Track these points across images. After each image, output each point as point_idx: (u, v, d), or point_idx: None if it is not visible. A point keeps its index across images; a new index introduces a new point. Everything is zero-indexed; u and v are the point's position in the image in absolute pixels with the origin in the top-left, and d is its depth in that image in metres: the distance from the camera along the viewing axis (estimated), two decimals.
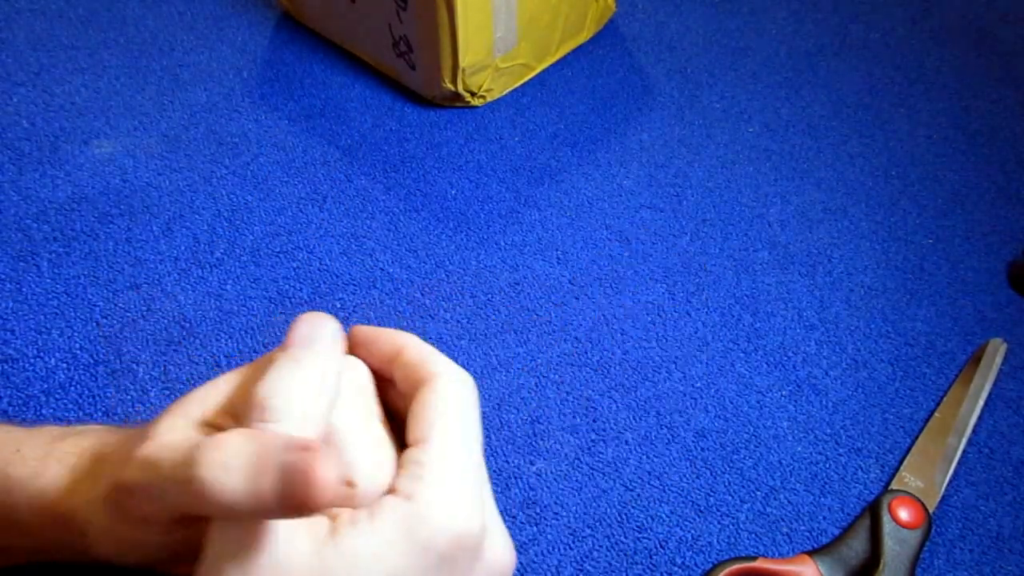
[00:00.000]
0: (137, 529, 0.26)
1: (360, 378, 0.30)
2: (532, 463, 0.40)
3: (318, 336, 0.27)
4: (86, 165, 0.52)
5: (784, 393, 0.44)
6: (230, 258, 0.48)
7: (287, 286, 0.47)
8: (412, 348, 0.30)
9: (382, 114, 0.58)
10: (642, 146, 0.57)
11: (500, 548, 0.27)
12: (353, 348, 0.31)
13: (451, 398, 0.28)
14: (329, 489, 0.22)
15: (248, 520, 0.23)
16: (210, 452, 0.23)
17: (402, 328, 0.31)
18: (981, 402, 0.43)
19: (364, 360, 0.31)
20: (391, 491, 0.25)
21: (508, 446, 0.41)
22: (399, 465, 0.27)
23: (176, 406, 0.28)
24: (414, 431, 0.27)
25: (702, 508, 0.39)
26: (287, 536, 0.23)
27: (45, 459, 0.29)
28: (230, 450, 0.23)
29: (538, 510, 0.38)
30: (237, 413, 0.28)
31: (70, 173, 0.51)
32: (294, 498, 0.22)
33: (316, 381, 0.26)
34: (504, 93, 0.60)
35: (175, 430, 0.26)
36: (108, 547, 0.27)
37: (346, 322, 0.45)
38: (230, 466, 0.22)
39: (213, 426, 0.28)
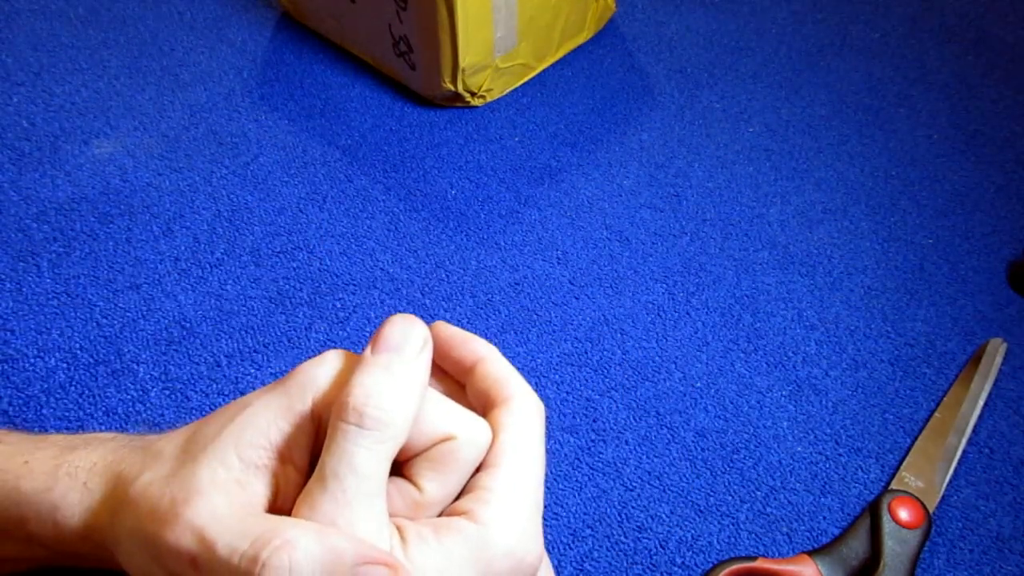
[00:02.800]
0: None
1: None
2: None
3: (410, 342, 0.27)
4: (86, 165, 0.52)
5: (784, 393, 0.44)
6: (230, 258, 0.48)
7: (287, 286, 0.47)
8: (491, 363, 0.30)
9: (382, 114, 0.58)
10: (642, 146, 0.57)
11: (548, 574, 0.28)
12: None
13: (525, 426, 0.28)
14: None
15: None
16: (280, 555, 0.23)
17: None
18: (981, 402, 0.43)
19: (437, 360, 0.31)
20: (458, 512, 0.26)
21: None
22: (467, 487, 0.27)
23: (213, 447, 0.27)
24: (489, 451, 0.28)
25: (702, 508, 0.39)
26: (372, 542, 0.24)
27: (55, 472, 0.29)
28: (300, 555, 0.23)
29: None
30: (281, 451, 0.27)
31: (70, 173, 0.51)
32: None
33: (409, 391, 0.26)
34: (504, 93, 0.60)
35: (217, 485, 0.25)
36: (138, 570, 0.27)
37: (346, 321, 0.45)
38: (300, 573, 0.23)
39: (258, 469, 0.27)
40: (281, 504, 0.27)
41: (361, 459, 0.25)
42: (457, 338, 0.31)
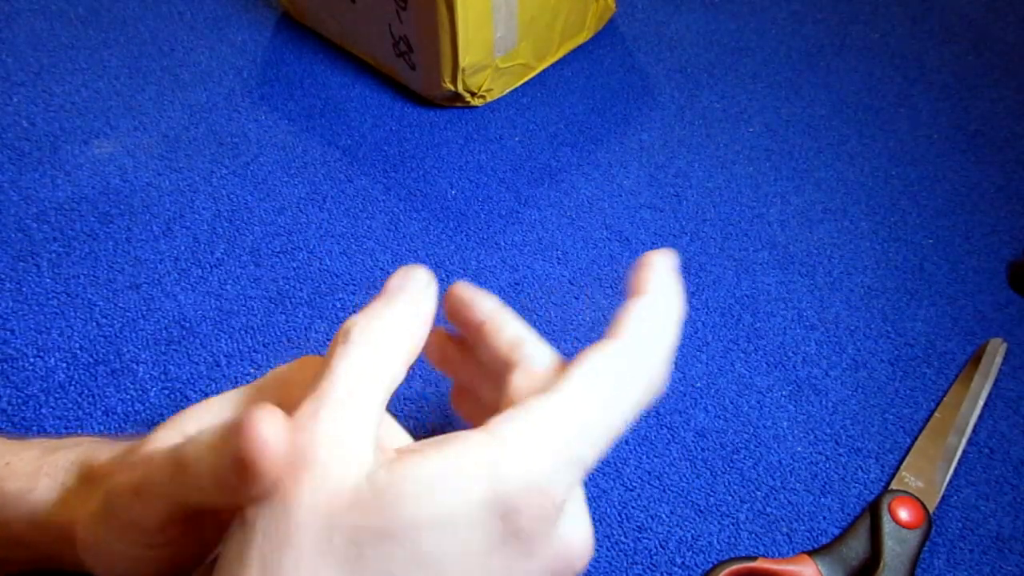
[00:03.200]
0: (127, 537, 0.25)
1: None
2: None
3: (411, 283, 0.27)
4: (86, 165, 0.52)
5: (784, 393, 0.44)
6: (230, 258, 0.48)
7: (287, 286, 0.47)
8: (503, 322, 0.28)
9: (382, 114, 0.58)
10: (642, 146, 0.57)
11: (579, 531, 0.23)
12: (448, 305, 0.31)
13: (660, 310, 0.26)
14: (264, 443, 0.20)
15: (227, 504, 0.22)
16: (198, 438, 0.22)
17: None
18: (981, 402, 0.43)
19: (453, 320, 0.31)
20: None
21: None
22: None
23: (171, 421, 0.27)
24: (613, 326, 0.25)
25: (702, 508, 0.39)
26: (333, 471, 0.21)
27: (36, 473, 0.29)
28: (213, 430, 0.22)
29: None
30: None
31: (70, 173, 0.51)
32: (238, 459, 0.20)
33: (406, 321, 0.25)
34: (504, 93, 0.60)
35: (170, 441, 0.26)
36: (99, 561, 0.27)
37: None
38: (207, 441, 0.22)
39: None
40: None
41: (341, 369, 0.23)
42: (467, 297, 0.30)
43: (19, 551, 0.30)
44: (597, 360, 0.24)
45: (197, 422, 0.27)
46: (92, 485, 0.28)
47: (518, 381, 0.26)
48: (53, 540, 0.29)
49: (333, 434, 0.22)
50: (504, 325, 0.29)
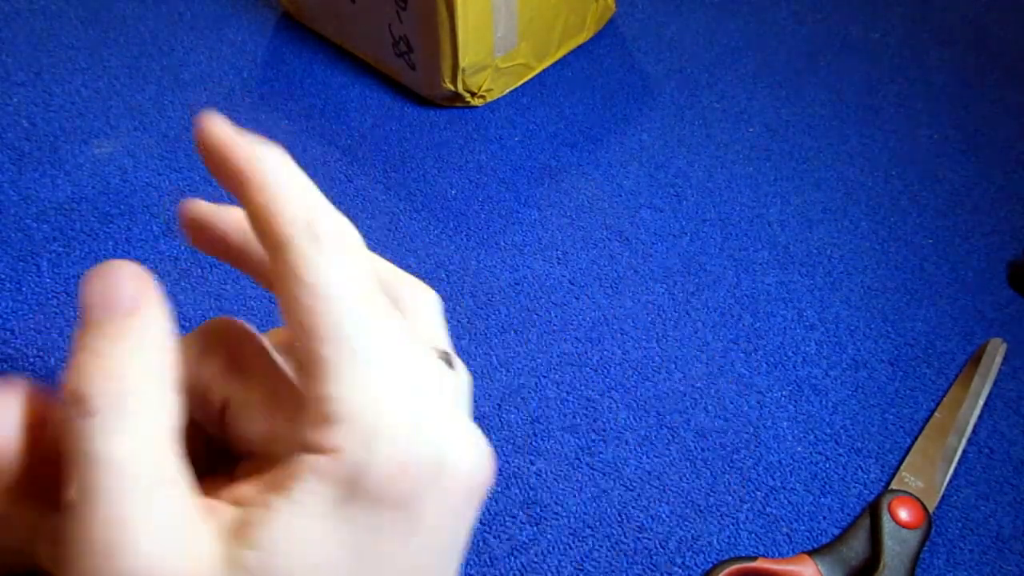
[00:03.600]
0: None
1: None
2: (532, 463, 0.40)
3: (118, 294, 0.19)
4: (86, 165, 0.52)
5: (784, 393, 0.44)
6: None
7: None
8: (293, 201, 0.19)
9: (382, 114, 0.58)
10: (642, 146, 0.57)
11: (465, 455, 0.19)
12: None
13: (331, 267, 0.18)
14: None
15: None
16: None
17: None
18: (981, 402, 0.43)
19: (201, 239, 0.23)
20: (298, 446, 0.18)
21: (508, 446, 0.41)
22: (296, 406, 0.19)
23: None
24: (296, 328, 0.19)
25: (702, 508, 0.39)
26: (181, 550, 0.17)
27: None
28: None
29: (538, 510, 0.38)
30: None
31: (70, 173, 0.51)
32: None
33: (142, 348, 0.19)
34: (504, 93, 0.60)
35: None
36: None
37: None
38: None
39: None
40: None
41: (112, 450, 0.17)
42: (211, 208, 0.22)
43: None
44: (314, 277, 0.18)
45: None
46: None
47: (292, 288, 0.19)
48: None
49: (153, 529, 0.16)
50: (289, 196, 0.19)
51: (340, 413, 0.17)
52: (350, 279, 0.18)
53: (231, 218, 0.23)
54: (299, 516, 0.17)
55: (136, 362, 0.18)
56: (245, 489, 0.18)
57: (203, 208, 0.23)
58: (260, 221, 0.19)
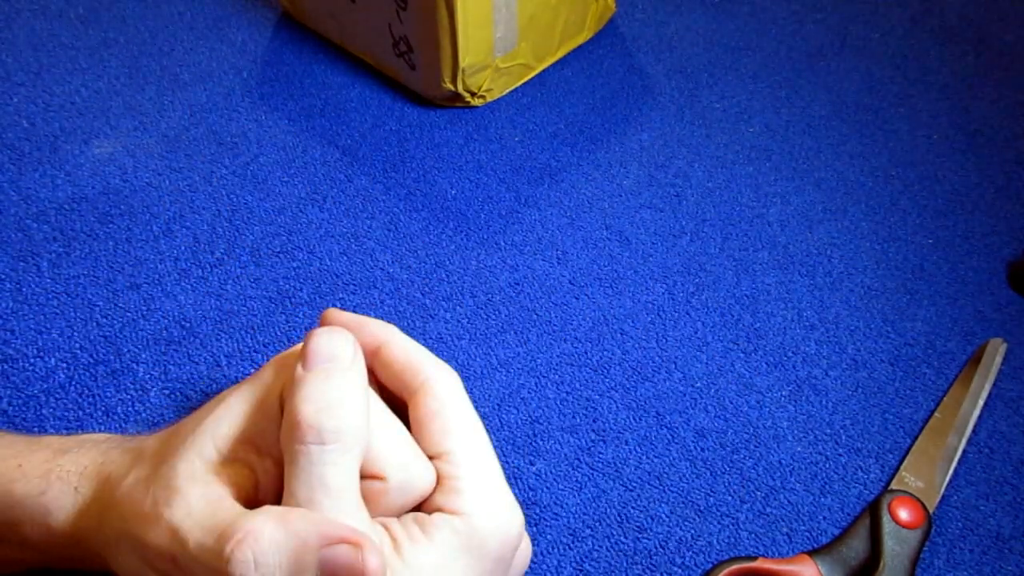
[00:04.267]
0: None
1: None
2: (532, 463, 0.40)
3: (340, 349, 0.27)
4: (86, 165, 0.52)
5: (784, 393, 0.44)
6: (230, 258, 0.48)
7: (287, 286, 0.47)
8: (395, 347, 0.29)
9: (382, 114, 0.58)
10: (642, 146, 0.57)
11: (524, 532, 0.29)
12: None
13: (452, 403, 0.28)
14: None
15: None
16: (243, 549, 0.22)
17: (403, 328, 0.31)
18: (981, 402, 0.43)
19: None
20: (437, 508, 0.26)
21: (508, 446, 0.41)
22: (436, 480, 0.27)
23: (191, 439, 0.27)
24: (430, 443, 0.28)
25: (702, 508, 0.39)
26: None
27: (47, 476, 0.29)
28: (264, 546, 0.22)
29: (538, 510, 0.38)
30: (258, 443, 0.27)
31: (70, 173, 0.51)
32: None
33: (357, 395, 0.26)
34: (504, 93, 0.60)
35: (195, 479, 0.26)
36: (127, 572, 0.27)
37: None
38: (265, 564, 0.22)
39: (235, 462, 0.27)
40: (262, 498, 0.27)
41: (332, 477, 0.24)
42: (353, 324, 0.30)
43: (28, 552, 0.30)
44: (444, 407, 0.28)
45: (215, 439, 0.27)
46: (108, 496, 0.28)
47: (431, 406, 0.28)
48: (66, 546, 0.29)
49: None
50: (398, 347, 0.30)
51: (467, 490, 0.26)
52: (462, 408, 0.29)
53: (376, 330, 0.31)
54: (436, 553, 0.25)
55: (353, 405, 0.25)
56: (395, 524, 0.26)
57: (349, 318, 0.31)
58: (401, 372, 0.29)
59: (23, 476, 0.29)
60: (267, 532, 0.23)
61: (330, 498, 0.24)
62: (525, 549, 0.29)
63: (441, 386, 0.28)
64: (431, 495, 0.27)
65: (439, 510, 0.26)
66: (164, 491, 0.25)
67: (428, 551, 0.25)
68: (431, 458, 0.28)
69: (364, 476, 0.26)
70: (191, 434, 0.27)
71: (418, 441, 0.28)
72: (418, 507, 0.28)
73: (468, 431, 0.28)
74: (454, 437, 0.27)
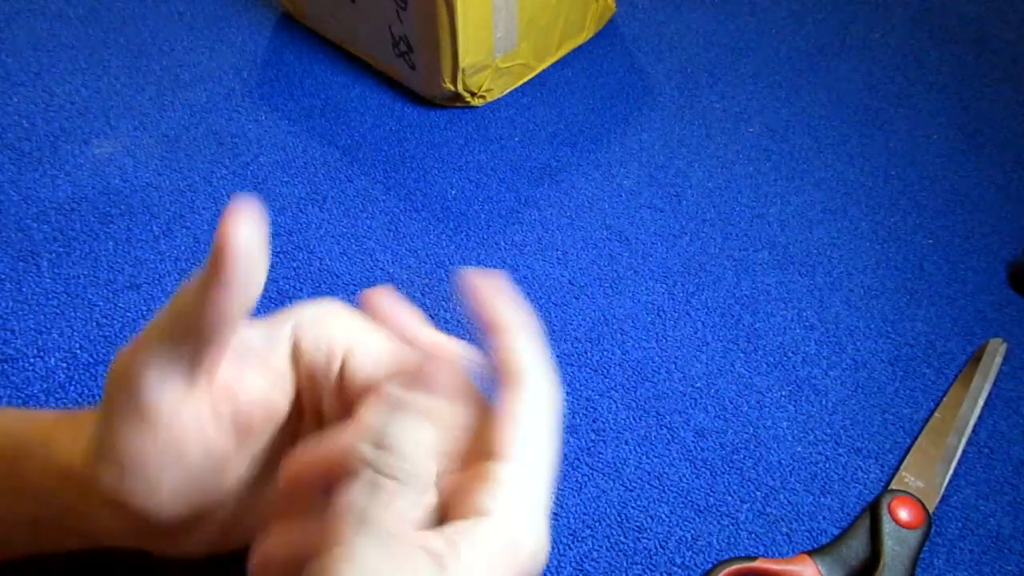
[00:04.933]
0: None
1: None
2: None
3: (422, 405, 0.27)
4: (86, 165, 0.52)
5: (784, 393, 0.44)
6: None
7: (287, 286, 0.47)
8: (514, 336, 0.29)
9: (382, 114, 0.58)
10: (642, 146, 0.57)
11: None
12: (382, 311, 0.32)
13: (541, 413, 0.28)
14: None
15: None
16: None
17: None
18: (981, 402, 0.43)
19: (471, 308, 0.32)
20: (480, 509, 0.26)
21: None
22: (481, 476, 0.27)
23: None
24: (498, 439, 0.27)
25: (702, 508, 0.39)
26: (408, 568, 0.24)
27: (57, 420, 0.30)
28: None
29: None
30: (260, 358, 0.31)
31: (70, 173, 0.51)
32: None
33: (440, 438, 0.27)
34: (504, 93, 0.60)
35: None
36: (112, 519, 0.28)
37: None
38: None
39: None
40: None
41: (397, 512, 0.25)
42: (494, 301, 0.30)
43: (28, 506, 0.30)
44: (528, 416, 0.28)
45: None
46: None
47: (516, 408, 0.28)
48: (68, 489, 0.29)
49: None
50: (518, 336, 0.29)
51: (514, 499, 0.26)
52: (543, 423, 0.28)
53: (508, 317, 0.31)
54: (484, 556, 0.25)
55: (424, 450, 0.26)
56: (433, 537, 0.26)
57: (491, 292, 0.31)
58: (507, 362, 0.29)
59: (32, 418, 0.30)
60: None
61: (392, 527, 0.25)
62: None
63: (535, 391, 0.28)
64: (471, 492, 0.27)
65: (484, 512, 0.26)
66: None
67: (480, 557, 0.25)
68: (490, 455, 0.27)
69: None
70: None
71: (487, 430, 0.28)
72: (452, 498, 0.27)
73: (542, 449, 0.28)
74: (526, 447, 0.27)
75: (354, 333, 0.31)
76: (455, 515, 0.26)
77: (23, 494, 0.30)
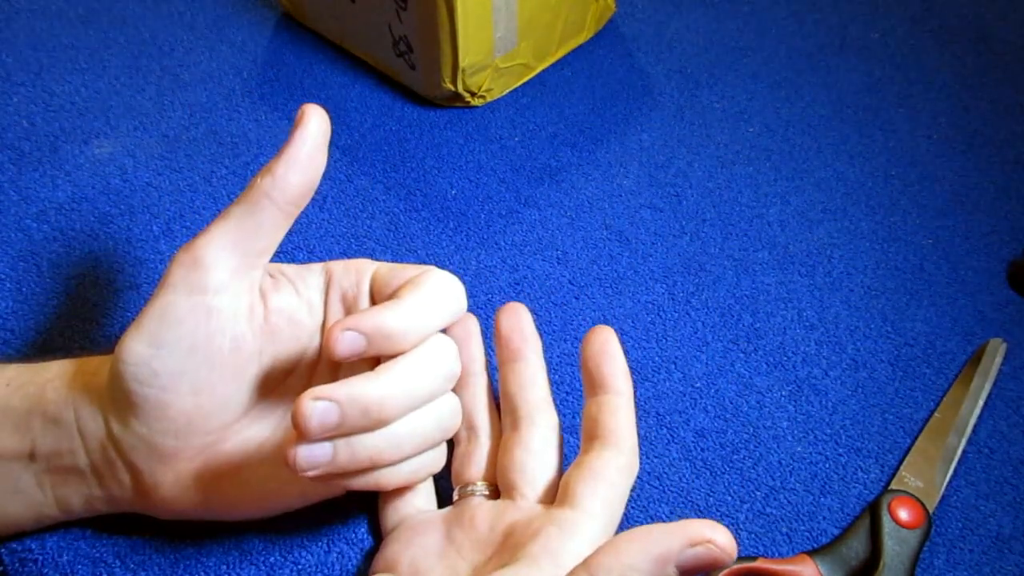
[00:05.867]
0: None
1: None
2: None
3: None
4: (86, 165, 0.52)
5: (784, 393, 0.44)
6: None
7: None
8: (616, 401, 0.33)
9: (382, 114, 0.58)
10: (642, 146, 0.57)
11: None
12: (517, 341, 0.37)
13: (621, 474, 0.31)
14: None
15: None
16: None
17: None
18: (981, 402, 0.43)
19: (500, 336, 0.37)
20: (535, 533, 0.29)
21: None
22: (552, 518, 0.30)
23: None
24: (575, 485, 0.30)
25: (702, 508, 0.39)
26: None
27: (49, 365, 0.33)
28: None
29: None
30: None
31: (70, 173, 0.51)
32: None
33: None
34: (504, 93, 0.60)
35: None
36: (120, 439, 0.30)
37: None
38: None
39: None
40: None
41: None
42: (608, 357, 0.34)
43: (12, 438, 0.31)
44: (611, 477, 0.31)
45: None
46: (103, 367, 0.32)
47: (596, 464, 0.32)
48: (65, 398, 0.31)
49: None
50: (620, 403, 0.33)
51: (580, 521, 0.30)
52: (623, 481, 0.32)
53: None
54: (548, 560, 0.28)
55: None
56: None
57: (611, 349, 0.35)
58: (604, 422, 0.33)
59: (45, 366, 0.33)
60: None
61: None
62: None
63: (619, 455, 0.31)
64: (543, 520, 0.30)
65: (541, 538, 0.29)
66: None
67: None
68: (567, 487, 0.31)
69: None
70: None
71: (568, 475, 0.31)
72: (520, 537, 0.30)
73: (612, 507, 0.31)
74: (597, 500, 0.30)
75: (380, 264, 0.35)
76: (522, 544, 0.29)
77: (27, 431, 0.31)
